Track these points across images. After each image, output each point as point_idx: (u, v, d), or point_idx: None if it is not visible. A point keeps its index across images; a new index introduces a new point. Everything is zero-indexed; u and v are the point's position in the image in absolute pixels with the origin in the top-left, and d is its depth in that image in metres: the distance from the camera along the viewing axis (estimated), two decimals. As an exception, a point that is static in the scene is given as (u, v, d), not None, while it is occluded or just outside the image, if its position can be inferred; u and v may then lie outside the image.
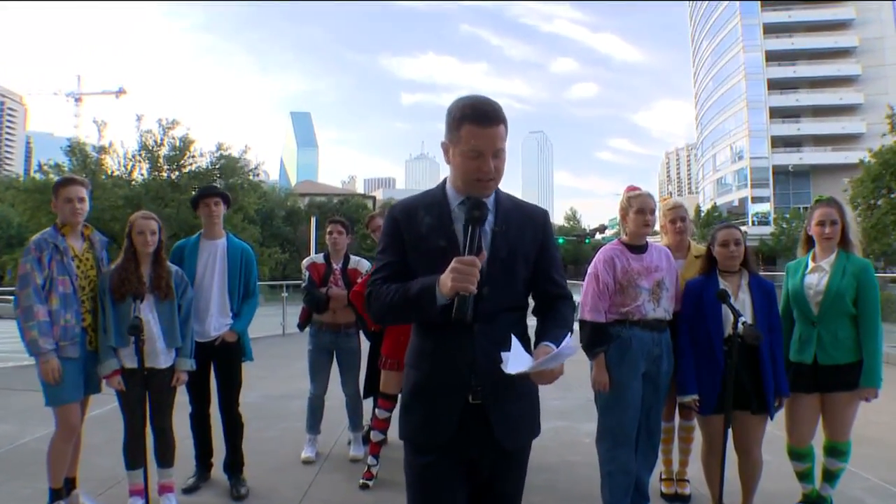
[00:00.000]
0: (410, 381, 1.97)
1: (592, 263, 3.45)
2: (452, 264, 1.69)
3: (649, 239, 3.54)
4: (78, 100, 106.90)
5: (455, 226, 1.90)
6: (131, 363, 3.46)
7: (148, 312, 3.55)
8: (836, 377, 3.28)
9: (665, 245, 3.84)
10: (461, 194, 1.91)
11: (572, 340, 1.79)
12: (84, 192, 3.58)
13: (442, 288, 1.72)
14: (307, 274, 4.77)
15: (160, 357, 3.60)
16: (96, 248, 3.68)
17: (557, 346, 1.83)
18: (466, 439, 1.87)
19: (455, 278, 1.67)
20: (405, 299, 1.82)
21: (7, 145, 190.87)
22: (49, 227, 3.57)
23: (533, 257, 1.98)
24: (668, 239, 3.89)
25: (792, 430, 3.47)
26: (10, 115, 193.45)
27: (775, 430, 3.47)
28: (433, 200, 1.96)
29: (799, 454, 3.48)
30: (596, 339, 3.31)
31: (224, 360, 4.05)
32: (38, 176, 28.29)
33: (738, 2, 62.57)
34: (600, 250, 3.50)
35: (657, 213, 3.77)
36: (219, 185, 27.62)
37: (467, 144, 1.81)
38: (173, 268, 3.74)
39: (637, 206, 3.40)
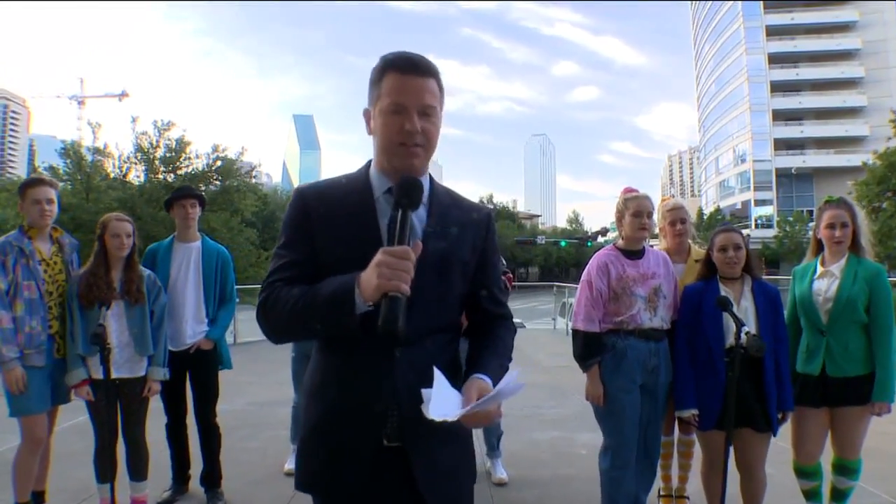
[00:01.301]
0: (311, 414, 1.57)
1: (586, 270, 3.26)
2: (379, 256, 1.28)
3: (651, 242, 3.36)
4: (81, 103, 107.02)
5: (380, 221, 1.51)
6: (98, 373, 3.28)
7: (117, 319, 3.39)
8: (846, 390, 3.08)
9: (664, 248, 3.66)
10: (388, 178, 1.52)
11: (518, 376, 1.44)
12: (53, 194, 3.43)
13: (363, 289, 1.31)
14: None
15: (130, 366, 3.44)
16: (65, 252, 3.53)
17: (494, 382, 1.49)
18: (381, 492, 1.51)
19: (382, 274, 1.25)
20: (312, 306, 1.38)
21: (11, 148, 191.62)
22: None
23: (472, 267, 1.62)
24: (668, 242, 3.70)
25: (799, 446, 3.27)
26: (13, 117, 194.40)
27: (779, 442, 3.27)
28: (352, 187, 1.56)
29: (806, 472, 3.28)
30: (589, 349, 3.13)
31: (200, 370, 3.87)
32: (34, 179, 28.13)
33: (740, 2, 62.49)
34: (594, 255, 3.31)
35: (655, 215, 3.58)
36: (216, 188, 27.71)
37: (388, 97, 1.46)
38: (146, 272, 3.57)
39: (633, 209, 3.20)
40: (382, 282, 1.25)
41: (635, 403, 3.13)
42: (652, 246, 3.56)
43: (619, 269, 3.17)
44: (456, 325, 1.67)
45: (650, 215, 3.23)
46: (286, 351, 4.55)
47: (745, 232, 3.28)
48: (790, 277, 3.46)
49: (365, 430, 1.48)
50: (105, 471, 3.36)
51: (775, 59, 61.05)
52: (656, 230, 3.68)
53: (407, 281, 1.26)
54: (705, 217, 60.97)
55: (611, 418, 3.15)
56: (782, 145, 60.82)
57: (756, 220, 61.10)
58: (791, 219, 52.67)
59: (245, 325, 12.22)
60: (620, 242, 3.31)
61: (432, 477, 1.51)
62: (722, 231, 3.19)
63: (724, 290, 3.10)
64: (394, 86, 1.46)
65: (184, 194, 3.95)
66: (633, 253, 3.23)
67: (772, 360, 3.01)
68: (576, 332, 3.20)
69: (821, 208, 3.29)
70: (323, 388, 1.56)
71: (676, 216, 3.64)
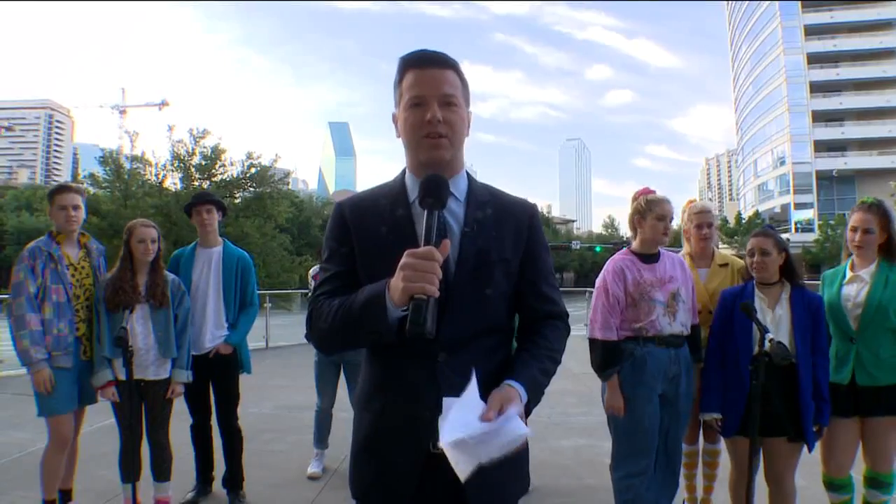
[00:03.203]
0: (361, 426, 1.58)
1: (601, 276, 3.16)
2: (403, 259, 1.27)
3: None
4: (122, 112, 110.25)
5: (416, 226, 1.47)
6: (123, 375, 3.34)
7: (142, 322, 3.46)
8: (878, 400, 2.95)
9: (687, 252, 3.57)
10: (421, 179, 1.46)
11: (518, 420, 1.32)
12: (79, 200, 3.52)
13: (392, 293, 1.29)
14: (313, 283, 4.63)
15: (155, 368, 3.50)
16: (93, 257, 3.61)
17: (527, 389, 1.42)
18: (431, 501, 1.48)
19: (407, 276, 1.24)
20: (348, 315, 1.39)
21: (56, 156, 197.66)
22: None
23: (516, 265, 1.56)
24: (692, 245, 3.59)
25: (829, 458, 3.14)
26: (57, 127, 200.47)
27: (812, 453, 3.15)
28: (388, 195, 1.56)
29: (836, 485, 3.15)
30: (608, 359, 3.03)
31: (220, 374, 3.91)
32: (75, 187, 28.99)
33: (777, 2, 61.14)
34: (608, 261, 3.21)
35: (681, 217, 3.50)
36: (250, 195, 28.10)
37: (409, 92, 1.47)
38: (170, 276, 3.65)
39: (658, 212, 3.11)
40: (407, 284, 1.24)
41: (655, 413, 3.04)
42: (677, 252, 3.48)
43: (635, 273, 3.07)
44: (505, 328, 1.61)
45: (672, 219, 3.15)
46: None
47: (784, 236, 3.13)
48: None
49: (412, 440, 1.47)
50: (129, 471, 3.41)
51: (814, 59, 59.51)
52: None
53: (432, 282, 1.23)
54: (744, 221, 59.66)
55: (629, 427, 3.05)
56: (823, 147, 59.20)
57: (796, 224, 59.59)
58: (832, 222, 51.17)
59: (277, 330, 12.37)
60: (635, 246, 3.20)
61: (480, 487, 1.40)
62: (753, 235, 3.09)
63: (758, 296, 3.01)
64: (413, 81, 1.47)
65: (199, 201, 4.01)
66: (648, 257, 3.14)
67: (808, 371, 2.89)
68: (593, 342, 3.09)
69: (853, 209, 3.17)
70: (370, 398, 1.57)
71: (703, 220, 3.54)
